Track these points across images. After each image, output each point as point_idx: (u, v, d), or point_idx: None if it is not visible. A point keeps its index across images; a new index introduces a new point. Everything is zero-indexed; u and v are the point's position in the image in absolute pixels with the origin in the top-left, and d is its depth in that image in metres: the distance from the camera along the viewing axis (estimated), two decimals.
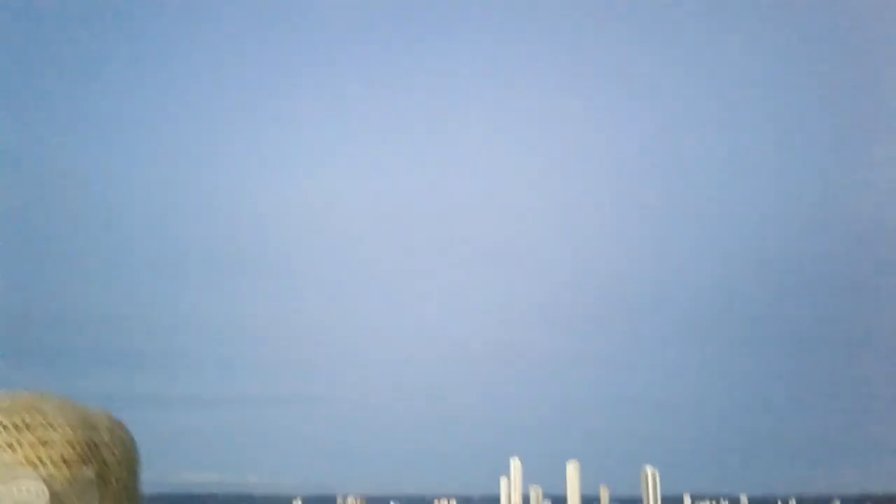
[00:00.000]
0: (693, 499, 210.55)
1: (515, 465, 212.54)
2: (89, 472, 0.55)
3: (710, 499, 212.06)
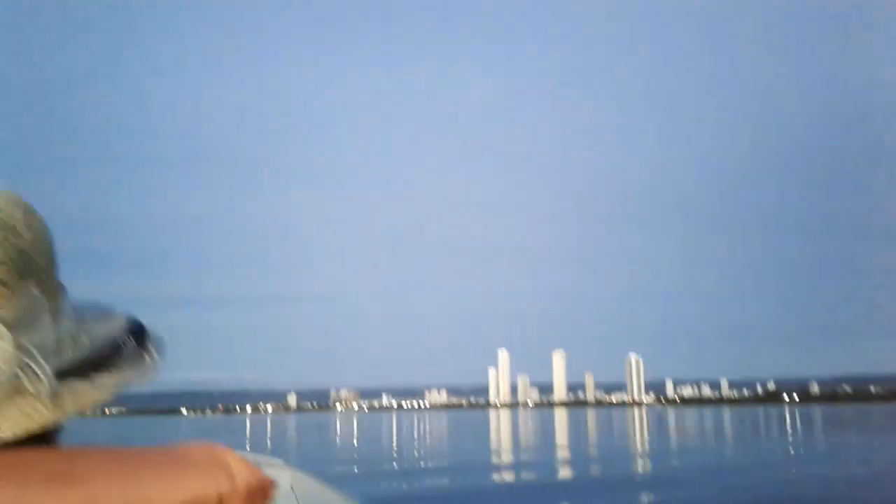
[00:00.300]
0: (675, 383, 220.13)
1: (503, 355, 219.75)
2: (31, 288, 0.41)
3: (692, 383, 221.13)
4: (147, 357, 0.45)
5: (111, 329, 0.44)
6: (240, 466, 0.43)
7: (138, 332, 0.45)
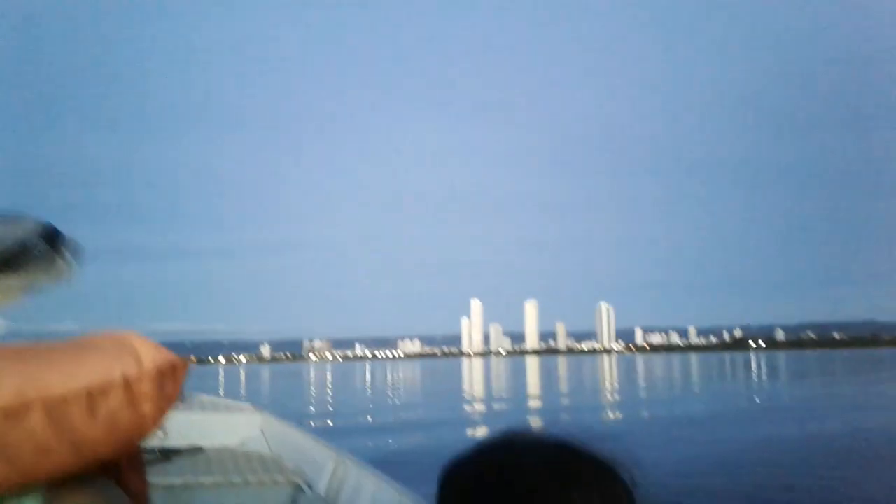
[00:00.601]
0: (644, 331, 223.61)
1: (476, 305, 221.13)
2: None
3: (660, 331, 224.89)
4: (60, 260, 0.43)
5: (20, 232, 0.42)
6: (147, 348, 0.41)
7: (51, 237, 0.43)
